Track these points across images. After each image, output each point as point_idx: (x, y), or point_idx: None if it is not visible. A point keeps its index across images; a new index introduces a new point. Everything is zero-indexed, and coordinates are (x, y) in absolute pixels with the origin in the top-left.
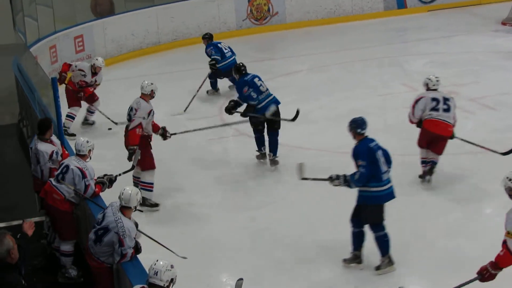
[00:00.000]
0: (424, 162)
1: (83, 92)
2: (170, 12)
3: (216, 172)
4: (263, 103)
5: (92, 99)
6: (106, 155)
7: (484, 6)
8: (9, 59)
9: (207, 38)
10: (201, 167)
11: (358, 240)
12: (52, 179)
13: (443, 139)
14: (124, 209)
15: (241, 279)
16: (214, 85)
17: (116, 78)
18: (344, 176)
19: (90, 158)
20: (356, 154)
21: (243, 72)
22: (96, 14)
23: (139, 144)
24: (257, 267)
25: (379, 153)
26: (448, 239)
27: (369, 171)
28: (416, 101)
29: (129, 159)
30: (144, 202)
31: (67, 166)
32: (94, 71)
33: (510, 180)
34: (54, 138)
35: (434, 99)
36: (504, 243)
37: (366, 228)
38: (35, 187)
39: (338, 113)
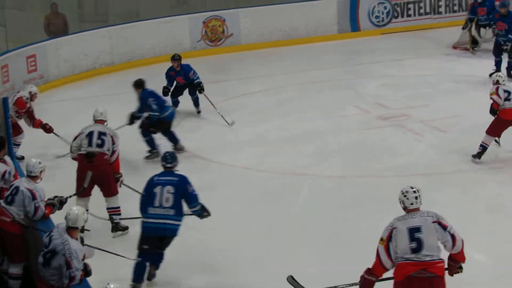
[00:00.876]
0: (483, 146)
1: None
2: (124, 33)
3: None
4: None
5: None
6: (56, 175)
7: (436, 30)
8: None
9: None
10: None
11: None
12: (1, 201)
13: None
14: (71, 229)
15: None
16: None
17: (69, 99)
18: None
19: (41, 179)
20: None
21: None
22: (49, 33)
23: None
24: None
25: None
26: None
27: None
28: (497, 90)
29: (119, 186)
30: (117, 228)
31: (17, 188)
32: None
33: (402, 193)
34: (7, 158)
35: (506, 91)
36: (376, 249)
37: None
38: None
39: (291, 135)
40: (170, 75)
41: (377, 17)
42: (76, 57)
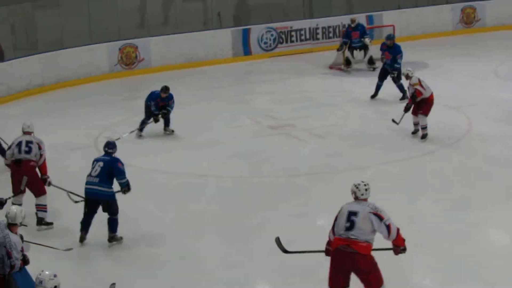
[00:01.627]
0: (426, 127)
1: None
2: (52, 58)
3: None
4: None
5: None
6: None
7: (315, 53)
8: None
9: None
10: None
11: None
12: None
13: None
14: (11, 226)
15: (114, 283)
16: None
17: (7, 116)
18: None
19: None
20: None
21: None
22: None
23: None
24: (125, 273)
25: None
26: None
27: None
28: (420, 82)
29: (48, 185)
30: (41, 222)
31: None
32: None
33: (355, 186)
34: None
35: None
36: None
37: None
38: None
39: (195, 142)
40: (157, 101)
41: (265, 43)
42: (12, 80)
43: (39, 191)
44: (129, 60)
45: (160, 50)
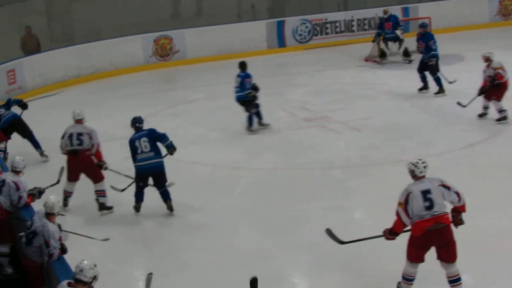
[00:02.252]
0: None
1: None
2: (88, 50)
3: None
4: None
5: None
6: (36, 170)
7: (350, 45)
8: None
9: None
10: (117, 181)
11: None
12: None
13: None
14: (49, 215)
15: (151, 273)
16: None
17: (44, 106)
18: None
19: (23, 174)
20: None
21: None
22: (25, 51)
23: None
24: (164, 264)
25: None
26: None
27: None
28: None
29: (104, 170)
30: (102, 207)
31: (4, 181)
32: None
33: (413, 164)
34: None
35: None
36: (396, 211)
37: None
38: None
39: (231, 134)
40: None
41: (300, 35)
42: (49, 71)
43: (97, 178)
44: (164, 52)
45: (194, 42)
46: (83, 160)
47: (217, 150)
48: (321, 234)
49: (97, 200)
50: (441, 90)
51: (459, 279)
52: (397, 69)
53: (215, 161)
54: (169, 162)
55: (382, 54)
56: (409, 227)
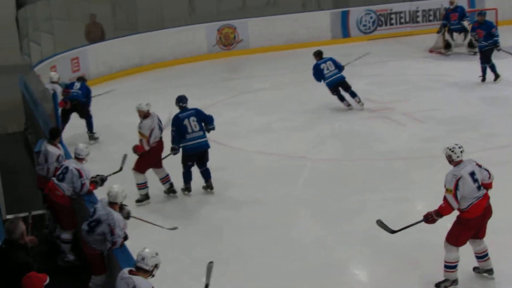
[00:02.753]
0: None
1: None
2: (151, 38)
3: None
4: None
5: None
6: (98, 158)
7: (415, 36)
8: (16, 77)
9: (317, 55)
10: (178, 169)
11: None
12: (54, 178)
13: None
14: (112, 204)
15: (212, 262)
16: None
17: (109, 94)
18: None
19: (86, 161)
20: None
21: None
22: (89, 40)
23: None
24: (226, 254)
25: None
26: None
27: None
28: None
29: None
30: (170, 190)
31: (67, 168)
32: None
33: (450, 149)
34: (59, 144)
35: None
36: (444, 197)
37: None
38: (39, 184)
39: (294, 124)
40: None
41: (364, 25)
42: (112, 59)
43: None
44: (227, 41)
45: (258, 31)
46: (159, 149)
47: (279, 140)
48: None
49: (165, 185)
50: (497, 76)
51: (487, 254)
52: (462, 61)
53: (277, 151)
54: (231, 151)
55: (447, 45)
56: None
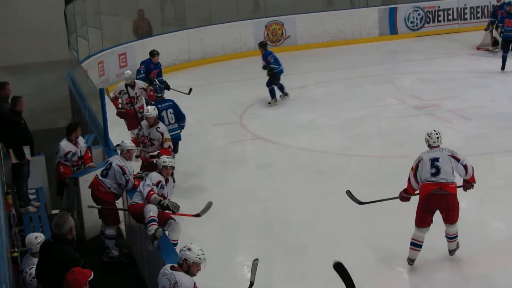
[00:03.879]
0: None
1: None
2: (199, 34)
3: (236, 168)
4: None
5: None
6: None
7: (462, 33)
8: (64, 73)
9: (264, 46)
10: (224, 165)
11: None
12: (98, 174)
13: None
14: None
15: (257, 259)
16: (273, 93)
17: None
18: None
19: (131, 160)
20: None
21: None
22: (137, 35)
23: None
24: (269, 250)
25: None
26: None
27: None
28: None
29: None
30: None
31: (110, 164)
32: (130, 83)
33: (428, 134)
34: (81, 141)
35: None
36: (408, 176)
37: None
38: (55, 176)
39: (339, 121)
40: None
41: (412, 22)
42: (160, 55)
43: None
44: (275, 37)
45: (306, 27)
46: None
47: (324, 136)
48: None
49: None
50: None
51: (455, 237)
52: (510, 58)
53: (322, 147)
54: (276, 148)
55: (495, 43)
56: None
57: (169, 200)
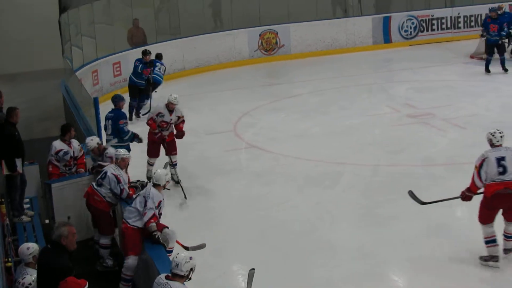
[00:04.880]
0: None
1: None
2: (193, 43)
3: (231, 177)
4: None
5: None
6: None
7: (456, 42)
8: (58, 82)
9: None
10: (218, 173)
11: None
12: (93, 183)
13: None
14: (156, 186)
15: (253, 269)
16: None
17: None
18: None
19: (126, 167)
20: None
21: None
22: (132, 44)
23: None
24: (265, 258)
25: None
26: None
27: None
28: None
29: None
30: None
31: (105, 173)
32: (169, 108)
33: (491, 133)
34: (74, 143)
35: None
36: (472, 174)
37: None
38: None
39: (333, 130)
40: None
41: (406, 31)
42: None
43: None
44: (269, 46)
45: (300, 36)
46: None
47: (319, 145)
48: (423, 232)
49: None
50: (505, 70)
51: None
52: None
53: (316, 156)
54: (271, 156)
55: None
56: (481, 190)
57: (163, 229)
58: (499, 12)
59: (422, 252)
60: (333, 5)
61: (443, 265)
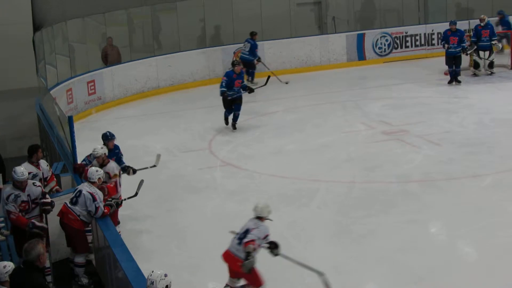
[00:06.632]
0: None
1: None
2: (168, 61)
3: (205, 195)
4: None
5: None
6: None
7: (430, 59)
8: (32, 100)
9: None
10: (193, 191)
11: None
12: (67, 202)
13: None
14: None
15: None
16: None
17: (124, 116)
18: None
19: (100, 184)
20: None
21: None
22: (106, 62)
23: None
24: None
25: None
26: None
27: None
28: None
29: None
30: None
31: (80, 191)
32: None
33: None
34: (43, 163)
35: None
36: None
37: None
38: None
39: (308, 147)
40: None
41: (380, 48)
42: (128, 82)
43: None
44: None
45: (274, 53)
46: None
47: (293, 162)
48: (397, 249)
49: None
50: (458, 81)
51: None
52: (477, 83)
53: (291, 174)
54: (245, 174)
55: (476, 65)
56: None
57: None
58: (481, 24)
59: (399, 269)
60: (307, 22)
61: (421, 281)
